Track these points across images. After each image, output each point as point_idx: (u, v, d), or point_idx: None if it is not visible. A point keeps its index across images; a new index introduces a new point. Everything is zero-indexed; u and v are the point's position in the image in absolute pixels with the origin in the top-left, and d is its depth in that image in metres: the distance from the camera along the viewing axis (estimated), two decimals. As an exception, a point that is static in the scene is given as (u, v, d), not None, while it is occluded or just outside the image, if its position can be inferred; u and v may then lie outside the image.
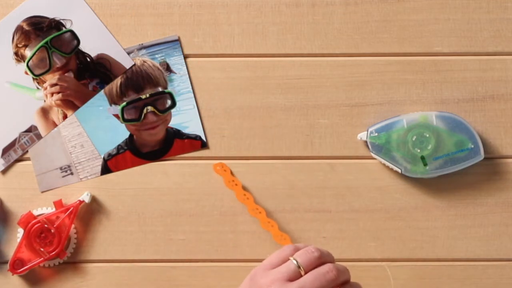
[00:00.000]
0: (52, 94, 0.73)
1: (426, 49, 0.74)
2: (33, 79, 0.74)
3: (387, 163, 0.72)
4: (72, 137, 0.74)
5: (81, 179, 0.73)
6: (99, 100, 0.74)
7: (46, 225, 0.71)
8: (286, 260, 0.61)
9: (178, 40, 0.73)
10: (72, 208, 0.72)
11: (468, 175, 0.73)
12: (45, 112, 0.74)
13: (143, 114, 0.73)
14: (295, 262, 0.60)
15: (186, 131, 0.74)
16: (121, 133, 0.74)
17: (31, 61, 0.73)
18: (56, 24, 0.73)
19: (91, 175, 0.73)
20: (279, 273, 0.59)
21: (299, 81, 0.74)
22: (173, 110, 0.73)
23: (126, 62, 0.73)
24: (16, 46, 0.73)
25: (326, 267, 0.60)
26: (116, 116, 0.73)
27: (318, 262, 0.61)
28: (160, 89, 0.73)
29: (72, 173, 0.73)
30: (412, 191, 0.73)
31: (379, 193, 0.73)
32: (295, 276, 0.59)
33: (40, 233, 0.71)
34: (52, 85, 0.73)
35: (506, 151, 0.73)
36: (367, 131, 0.73)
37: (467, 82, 0.74)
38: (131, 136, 0.74)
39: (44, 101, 0.74)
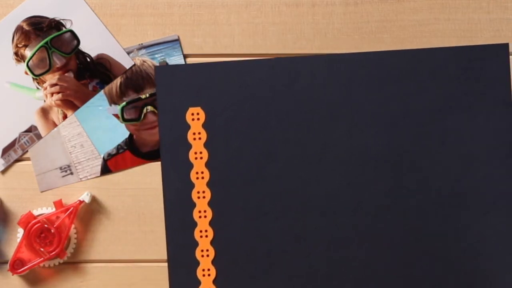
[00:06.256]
0: (52, 94, 0.73)
1: (426, 49, 0.74)
2: (33, 79, 0.74)
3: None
4: (72, 137, 0.74)
5: (81, 179, 0.73)
6: (99, 100, 0.74)
7: (46, 225, 0.71)
8: None
9: (178, 40, 0.73)
10: (72, 208, 0.71)
11: None
12: (45, 112, 0.74)
13: (143, 114, 0.73)
14: None
15: (186, 131, 0.74)
16: (121, 133, 0.74)
17: (31, 61, 0.73)
18: (56, 24, 0.73)
19: (91, 175, 0.73)
20: None
21: (299, 81, 0.74)
22: (173, 110, 0.73)
23: (126, 62, 0.73)
24: (16, 46, 0.73)
25: None
26: (116, 116, 0.73)
27: None
28: (160, 89, 0.73)
29: (72, 173, 0.73)
30: None
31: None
32: None
33: (40, 233, 0.71)
34: (52, 85, 0.73)
35: None
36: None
37: (467, 82, 0.74)
38: (131, 136, 0.74)
39: (44, 101, 0.74)
